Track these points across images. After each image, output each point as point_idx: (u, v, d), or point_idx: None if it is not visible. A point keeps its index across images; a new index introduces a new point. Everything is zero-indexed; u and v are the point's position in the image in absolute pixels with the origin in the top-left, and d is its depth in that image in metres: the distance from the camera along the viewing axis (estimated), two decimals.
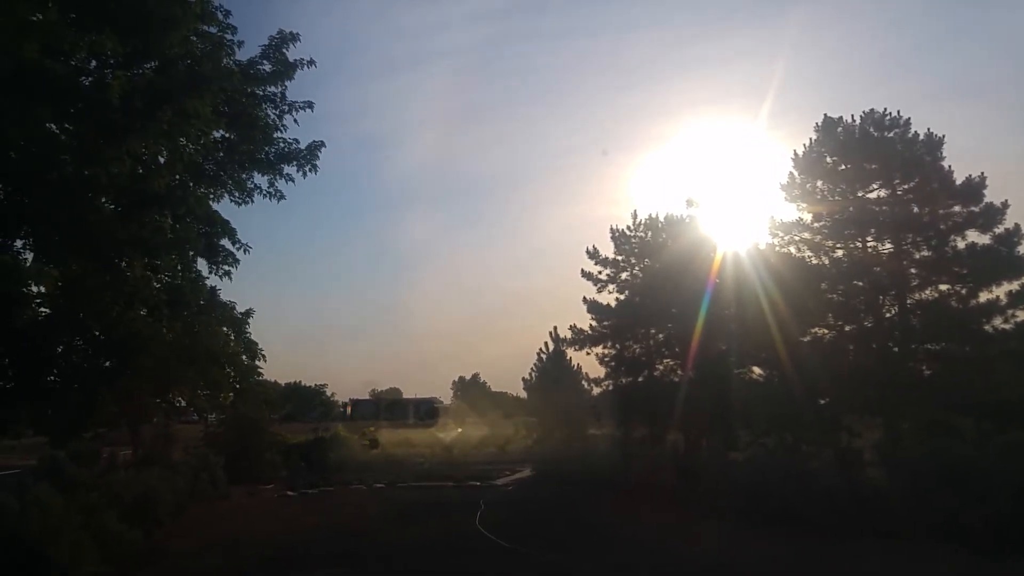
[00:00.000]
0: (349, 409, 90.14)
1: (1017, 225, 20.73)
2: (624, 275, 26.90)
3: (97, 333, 16.19)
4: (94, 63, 13.09)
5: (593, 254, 27.24)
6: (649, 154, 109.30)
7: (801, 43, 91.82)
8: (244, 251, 17.34)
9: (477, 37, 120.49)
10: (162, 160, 14.02)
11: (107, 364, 16.43)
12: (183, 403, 20.24)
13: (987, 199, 21.23)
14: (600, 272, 27.09)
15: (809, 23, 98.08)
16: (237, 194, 16.97)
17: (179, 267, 16.80)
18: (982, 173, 21.43)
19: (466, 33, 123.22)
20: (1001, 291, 20.57)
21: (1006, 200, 21.02)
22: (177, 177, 14.78)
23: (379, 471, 28.20)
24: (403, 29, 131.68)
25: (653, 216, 26.87)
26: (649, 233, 26.69)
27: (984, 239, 21.17)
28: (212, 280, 17.81)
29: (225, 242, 17.26)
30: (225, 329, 18.36)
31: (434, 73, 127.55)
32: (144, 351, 15.46)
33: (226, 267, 17.22)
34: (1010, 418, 19.27)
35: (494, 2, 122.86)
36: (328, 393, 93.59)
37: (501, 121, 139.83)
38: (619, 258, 27.02)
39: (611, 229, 27.26)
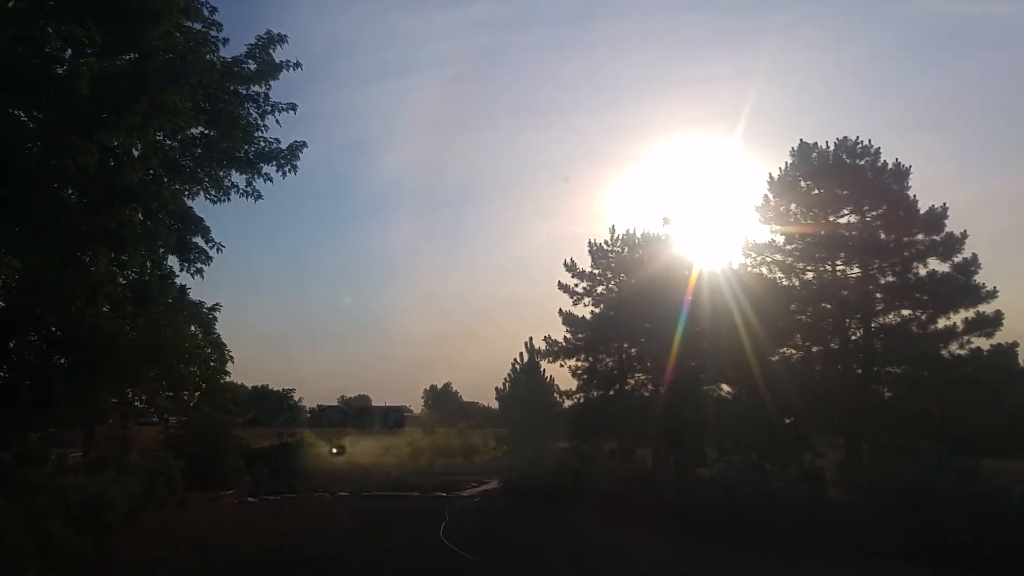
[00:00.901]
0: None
1: (975, 255, 21.44)
2: (600, 289, 27.06)
3: (55, 328, 15.79)
4: (70, 52, 12.88)
5: (571, 267, 27.39)
6: (630, 170, 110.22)
7: (773, 71, 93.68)
8: (217, 249, 17.13)
9: (467, 47, 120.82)
10: (136, 153, 13.80)
11: (63, 361, 16.02)
12: (143, 403, 19.81)
13: (948, 228, 21.90)
14: (577, 285, 27.24)
15: (780, 53, 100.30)
16: (213, 192, 16.75)
17: (148, 263, 16.52)
18: (944, 203, 22.18)
19: (456, 43, 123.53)
20: (958, 318, 21.20)
21: (965, 230, 21.73)
22: (151, 172, 14.54)
23: (344, 479, 27.83)
24: (394, 36, 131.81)
25: (630, 232, 27.14)
26: (626, 249, 26.92)
27: (944, 267, 21.86)
28: (183, 278, 17.55)
29: (198, 239, 17.04)
30: (193, 328, 18.08)
31: (422, 81, 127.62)
32: (105, 348, 15.09)
33: (198, 265, 16.98)
34: (965, 442, 19.74)
35: (485, 13, 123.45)
36: (296, 398, 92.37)
37: (486, 131, 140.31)
38: (596, 272, 27.19)
39: (589, 243, 27.50)
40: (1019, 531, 13.22)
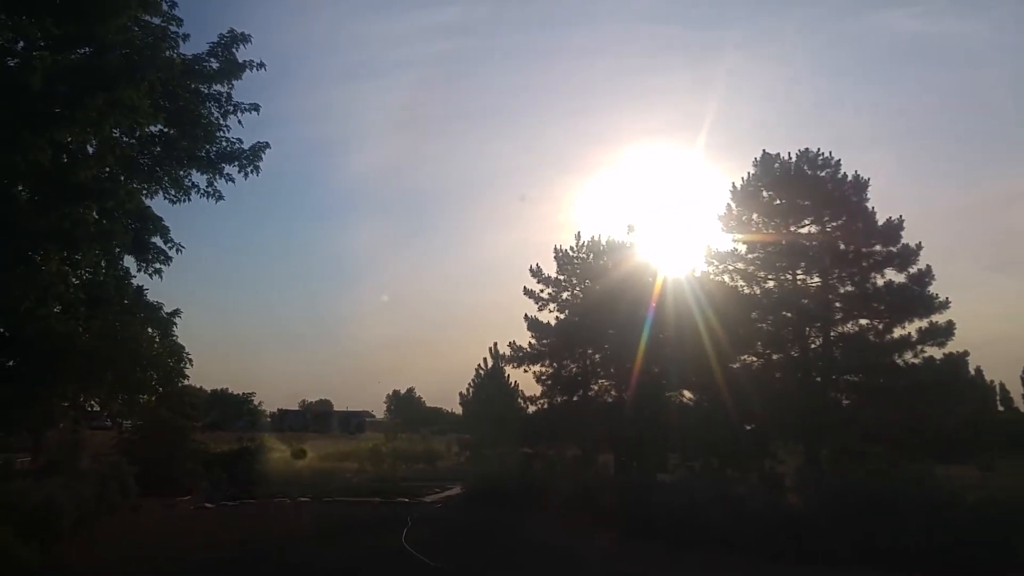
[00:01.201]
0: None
1: (928, 266, 21.99)
2: (565, 295, 27.14)
3: (3, 329, 15.26)
4: (22, 45, 12.46)
5: (536, 272, 27.41)
6: (595, 177, 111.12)
7: (732, 84, 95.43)
8: (177, 250, 16.73)
9: (436, 51, 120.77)
10: (91, 150, 13.40)
11: (11, 363, 15.48)
12: (95, 407, 19.24)
13: (904, 240, 22.43)
14: (542, 291, 27.27)
15: (738, 66, 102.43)
16: (173, 191, 16.35)
17: (102, 263, 16.04)
18: (900, 216, 22.68)
19: (425, 47, 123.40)
20: (913, 327, 21.68)
21: (920, 242, 22.30)
22: (107, 169, 14.14)
23: (305, 484, 27.41)
24: (363, 38, 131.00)
25: (596, 239, 27.25)
26: (591, 255, 27.04)
27: (900, 278, 22.36)
28: (140, 279, 17.09)
29: (157, 240, 16.62)
30: (150, 330, 17.61)
31: (391, 84, 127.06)
32: (56, 350, 14.60)
33: (156, 265, 16.56)
34: (919, 448, 20.25)
35: (455, 18, 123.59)
36: (256, 402, 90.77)
37: (453, 135, 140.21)
38: (561, 278, 27.25)
39: (555, 249, 27.55)
40: (971, 535, 13.55)
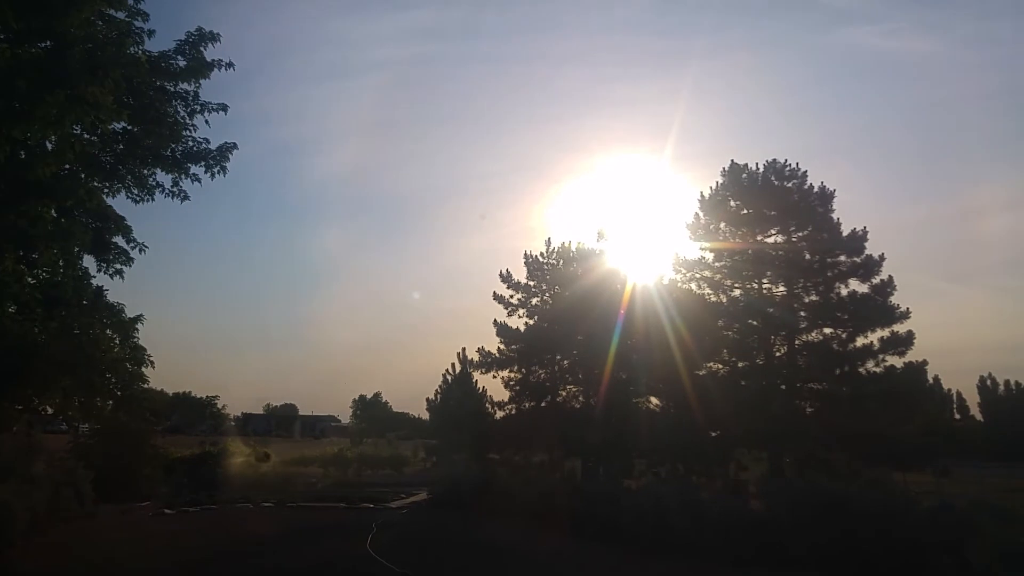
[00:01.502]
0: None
1: (891, 277, 22.47)
2: (535, 300, 27.17)
3: None
4: None
5: (506, 278, 27.41)
6: (566, 184, 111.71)
7: (697, 94, 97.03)
8: (140, 250, 16.37)
9: (409, 54, 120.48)
10: (49, 147, 13.04)
11: None
12: (50, 411, 18.73)
13: (868, 251, 22.87)
14: (512, 296, 27.28)
15: (703, 77, 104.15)
16: (136, 191, 15.98)
17: (60, 263, 15.61)
18: (864, 227, 23.12)
19: (398, 49, 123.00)
20: (875, 337, 22.11)
21: (883, 253, 22.77)
22: (67, 167, 13.78)
23: (268, 489, 27.01)
24: (334, 38, 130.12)
25: (566, 244, 27.36)
26: (561, 261, 27.13)
27: (863, 288, 22.79)
28: (101, 279, 16.67)
29: (118, 239, 16.24)
30: (110, 332, 17.19)
31: (362, 85, 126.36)
32: (10, 352, 14.17)
33: (117, 266, 16.18)
34: (879, 455, 20.63)
35: (429, 22, 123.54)
36: (220, 405, 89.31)
37: (424, 139, 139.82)
38: (531, 283, 27.29)
39: (525, 254, 27.61)
40: (926, 539, 13.84)
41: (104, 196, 15.61)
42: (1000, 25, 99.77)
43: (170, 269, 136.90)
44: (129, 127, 14.93)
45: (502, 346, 26.93)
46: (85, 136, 13.67)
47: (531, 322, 26.90)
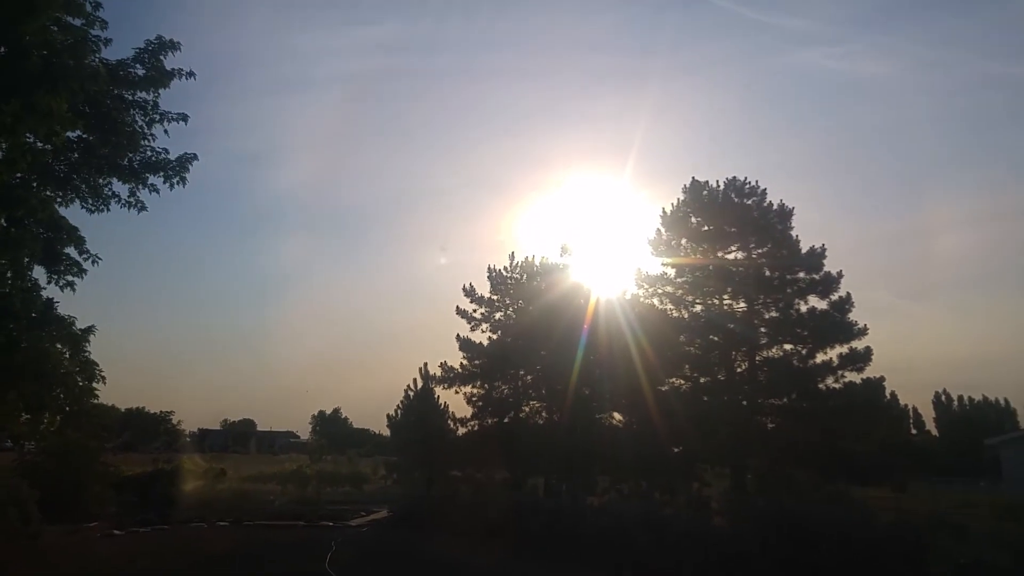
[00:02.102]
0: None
1: (849, 294, 22.97)
2: (498, 315, 27.05)
3: None
4: None
5: (469, 292, 27.25)
6: (528, 199, 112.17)
7: (657, 112, 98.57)
8: (93, 262, 15.83)
9: (370, 66, 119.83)
10: (0, 155, 12.58)
11: None
12: None
13: (826, 268, 23.34)
14: (475, 311, 27.12)
15: (663, 96, 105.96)
16: (91, 200, 15.50)
17: (9, 274, 15.03)
18: (823, 244, 23.62)
19: (359, 61, 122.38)
20: (834, 353, 22.53)
21: (841, 270, 23.26)
22: (18, 175, 13.31)
23: (224, 508, 26.28)
24: (295, 50, 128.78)
25: (529, 259, 27.33)
26: (525, 275, 27.09)
27: (822, 304, 23.24)
28: (51, 291, 16.07)
29: (71, 250, 15.70)
30: (60, 346, 16.55)
31: (322, 97, 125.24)
32: None
33: (69, 278, 15.61)
34: (839, 470, 20.94)
35: (391, 35, 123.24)
36: (175, 421, 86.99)
37: (383, 152, 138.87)
38: (495, 298, 27.18)
39: (488, 268, 27.52)
40: (886, 554, 14.04)
41: (57, 206, 15.11)
42: (949, 51, 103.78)
43: (124, 281, 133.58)
44: (85, 136, 14.50)
45: (465, 361, 26.73)
46: (39, 145, 13.24)
47: (494, 337, 26.78)
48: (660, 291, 25.02)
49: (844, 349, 22.45)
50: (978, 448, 42.84)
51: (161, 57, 14.40)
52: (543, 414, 25.86)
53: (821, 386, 22.63)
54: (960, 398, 61.06)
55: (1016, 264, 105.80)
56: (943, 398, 60.90)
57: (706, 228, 24.68)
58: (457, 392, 26.89)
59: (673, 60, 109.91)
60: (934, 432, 59.74)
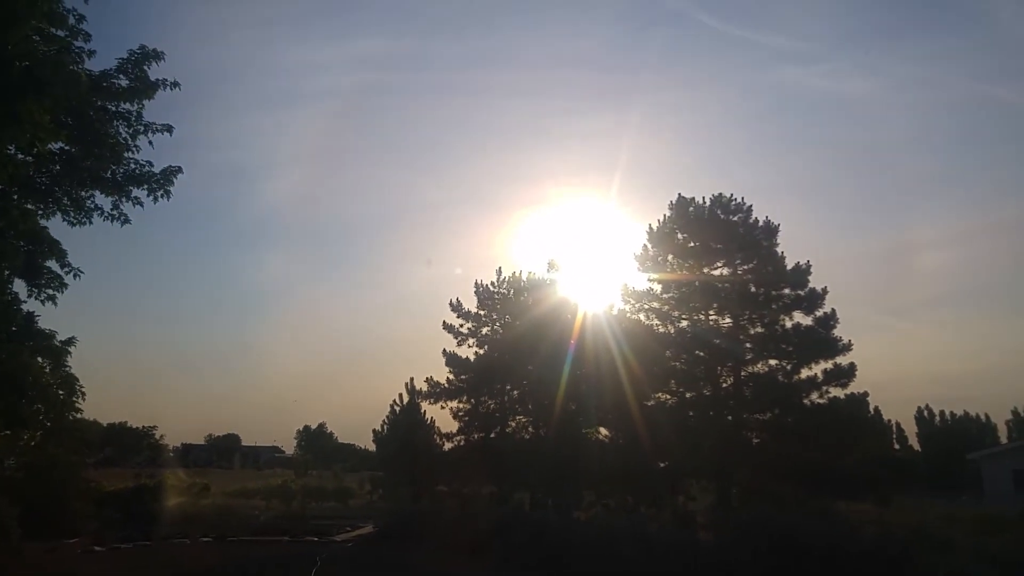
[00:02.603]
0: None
1: (833, 310, 23.13)
2: (485, 330, 27.02)
3: None
4: None
5: (456, 307, 27.23)
6: (515, 215, 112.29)
7: (644, 129, 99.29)
8: (75, 275, 15.69)
9: (357, 82, 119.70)
10: None
11: None
12: None
13: (811, 284, 23.51)
14: (462, 325, 27.08)
15: (649, 113, 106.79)
16: (73, 213, 15.38)
17: None
18: (808, 261, 23.81)
19: (347, 77, 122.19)
20: (819, 369, 22.66)
21: (826, 287, 23.45)
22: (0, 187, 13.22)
23: (208, 523, 25.96)
24: (281, 65, 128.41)
25: (516, 274, 27.35)
26: (512, 291, 27.10)
27: (807, 320, 23.39)
28: (32, 304, 15.91)
29: (52, 263, 15.56)
30: (40, 360, 16.38)
31: (308, 113, 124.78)
32: None
33: (50, 291, 15.46)
34: (821, 484, 21.00)
35: (377, 51, 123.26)
36: (158, 436, 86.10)
37: (371, 168, 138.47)
38: (481, 313, 27.16)
39: (475, 284, 27.52)
40: (872, 569, 14.06)
41: (39, 218, 14.99)
42: (933, 70, 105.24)
43: (106, 294, 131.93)
44: (68, 148, 14.42)
45: (451, 376, 26.67)
46: (20, 156, 13.15)
47: (481, 352, 26.74)
48: (646, 306, 25.11)
49: (828, 365, 22.60)
50: (960, 462, 43.14)
51: (145, 67, 14.35)
52: (529, 429, 25.82)
53: (806, 401, 22.74)
54: (942, 413, 61.50)
55: (998, 281, 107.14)
56: (925, 413, 61.29)
57: (692, 244, 24.83)
58: (443, 407, 26.84)
59: (659, 77, 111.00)
60: (916, 447, 60.08)
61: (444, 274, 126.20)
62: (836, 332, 22.92)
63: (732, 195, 24.90)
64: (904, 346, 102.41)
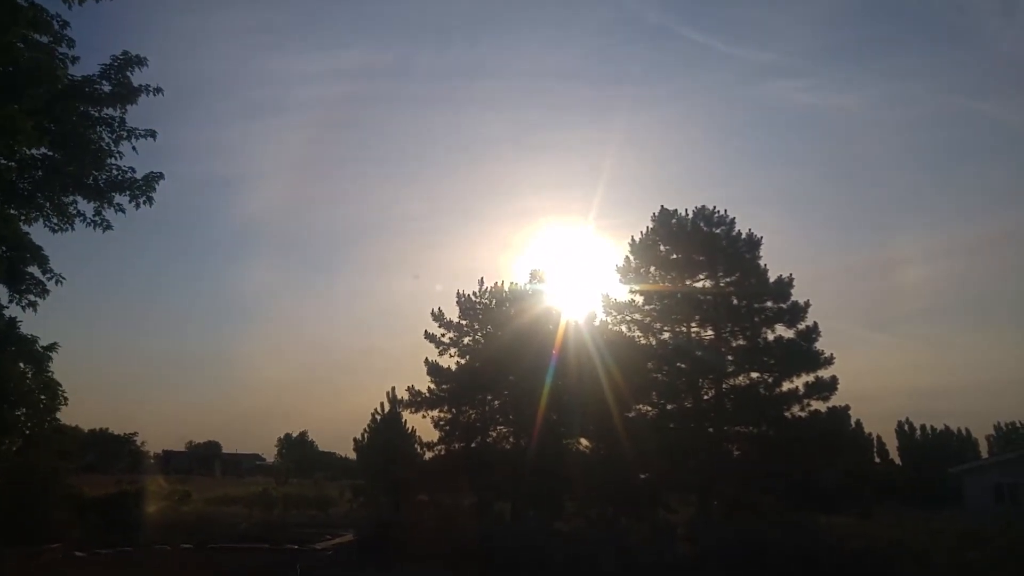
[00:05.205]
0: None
1: (816, 323, 23.31)
2: (467, 340, 26.99)
3: None
4: None
5: (438, 316, 27.20)
6: (497, 225, 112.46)
7: (626, 141, 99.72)
8: (57, 282, 15.64)
9: (341, 93, 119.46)
10: None
11: None
12: None
13: (794, 297, 23.69)
14: (443, 335, 27.04)
15: (632, 126, 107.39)
16: (55, 219, 15.34)
17: None
18: (791, 274, 24.01)
19: (330, 87, 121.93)
20: (800, 382, 22.79)
21: (808, 300, 23.63)
22: None
23: (189, 530, 25.84)
24: (264, 75, 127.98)
25: (499, 285, 27.43)
26: (494, 301, 27.13)
27: (789, 333, 23.53)
28: (13, 311, 15.84)
29: (34, 269, 15.51)
30: (22, 365, 16.29)
31: (290, 123, 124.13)
32: None
33: (32, 297, 15.40)
34: (802, 497, 21.14)
35: (358, 62, 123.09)
36: (139, 442, 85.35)
37: (355, 178, 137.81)
38: (463, 322, 27.14)
39: (458, 293, 27.47)
40: None
41: (20, 224, 14.95)
42: (916, 85, 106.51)
43: (88, 300, 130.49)
44: (50, 153, 14.40)
45: (433, 385, 26.56)
46: (1, 161, 13.14)
47: (463, 361, 26.70)
48: (628, 318, 25.20)
49: (810, 378, 22.71)
50: (941, 476, 43.47)
51: (128, 73, 14.35)
52: (511, 439, 25.81)
53: (787, 414, 22.85)
54: (923, 427, 61.90)
55: (980, 296, 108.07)
56: (906, 427, 61.68)
57: (675, 256, 24.99)
58: (424, 416, 26.70)
59: (642, 91, 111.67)
60: (898, 460, 60.44)
61: (426, 285, 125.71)
62: (818, 345, 23.09)
63: (715, 207, 25.10)
64: (885, 360, 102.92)
